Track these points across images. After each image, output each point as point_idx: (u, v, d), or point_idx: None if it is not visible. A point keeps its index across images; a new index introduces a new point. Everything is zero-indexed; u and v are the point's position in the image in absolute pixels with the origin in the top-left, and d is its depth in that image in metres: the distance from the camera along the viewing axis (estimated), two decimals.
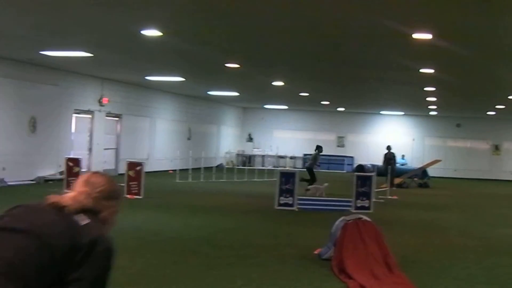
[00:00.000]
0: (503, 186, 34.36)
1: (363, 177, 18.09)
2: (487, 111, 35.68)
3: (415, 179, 30.67)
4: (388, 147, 29.82)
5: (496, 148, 42.32)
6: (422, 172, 31.73)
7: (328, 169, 41.67)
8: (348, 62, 18.80)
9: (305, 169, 25.96)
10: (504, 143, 42.27)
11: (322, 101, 34.37)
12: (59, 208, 2.94)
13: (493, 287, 8.79)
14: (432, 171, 34.12)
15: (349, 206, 17.39)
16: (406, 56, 16.55)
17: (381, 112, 41.69)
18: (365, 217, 9.96)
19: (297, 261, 9.90)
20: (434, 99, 29.15)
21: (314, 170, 24.89)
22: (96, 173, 3.28)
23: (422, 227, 14.86)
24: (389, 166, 27.70)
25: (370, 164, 36.12)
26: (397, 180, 28.19)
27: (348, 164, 41.82)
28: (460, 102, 30.47)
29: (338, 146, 43.36)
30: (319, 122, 43.28)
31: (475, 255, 11.39)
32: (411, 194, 25.61)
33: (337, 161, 42.46)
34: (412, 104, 33.10)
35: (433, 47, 14.77)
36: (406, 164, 39.33)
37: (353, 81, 23.51)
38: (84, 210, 2.98)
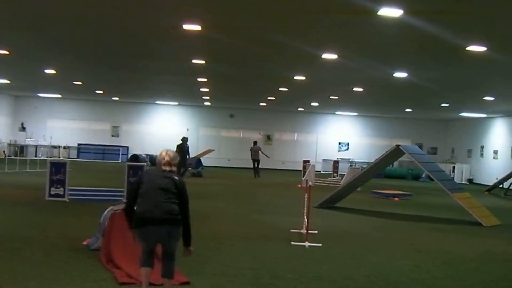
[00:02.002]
0: (274, 175, 35.90)
1: (135, 166, 18.10)
2: (260, 103, 37.04)
3: (189, 168, 31.14)
4: (184, 139, 29.04)
5: (268, 138, 44.11)
6: (195, 162, 32.29)
7: (103, 159, 41.29)
8: (121, 52, 18.72)
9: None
10: (275, 133, 44.23)
11: (97, 90, 33.90)
12: (166, 171, 7.32)
13: (259, 272, 9.19)
14: (206, 161, 34.92)
15: (122, 196, 17.38)
16: (177, 46, 16.78)
17: (156, 102, 41.88)
18: None
19: (66, 253, 9.77)
20: (207, 89, 29.78)
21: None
22: (168, 152, 7.51)
23: (192, 216, 15.09)
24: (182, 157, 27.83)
25: (145, 154, 36.28)
26: None
27: (123, 154, 41.52)
28: (233, 93, 31.36)
29: (113, 135, 42.96)
30: (93, 112, 42.56)
31: (243, 242, 11.87)
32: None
33: (112, 151, 42.10)
34: (186, 94, 33.60)
35: (203, 38, 15.10)
36: None
37: (126, 70, 23.44)
38: (171, 171, 7.33)
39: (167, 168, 7.36)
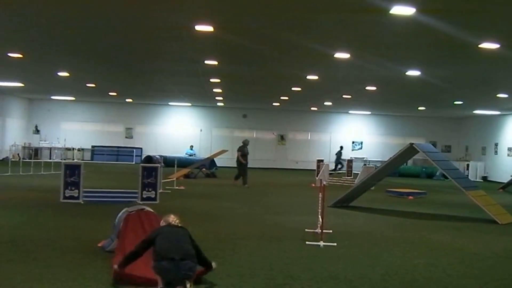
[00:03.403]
0: (288, 175, 35.83)
1: (149, 168, 18.10)
2: (273, 103, 37.01)
3: (203, 169, 31.16)
4: (245, 142, 27.12)
5: (282, 138, 44.08)
6: (209, 162, 32.30)
7: (117, 161, 41.41)
8: (133, 54, 18.76)
9: None
10: (289, 133, 44.19)
11: (110, 92, 34.00)
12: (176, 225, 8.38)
13: (273, 272, 9.17)
14: (219, 161, 34.90)
15: (136, 197, 17.41)
16: (190, 47, 16.79)
17: (169, 103, 41.95)
18: (147, 208, 10.02)
19: (80, 255, 9.78)
20: (220, 90, 29.80)
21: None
22: (175, 215, 8.58)
23: (206, 216, 15.17)
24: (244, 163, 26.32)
25: (159, 155, 36.33)
26: (184, 171, 28.48)
27: (136, 155, 41.69)
28: (246, 93, 31.36)
29: (127, 137, 43.11)
30: (107, 113, 42.74)
31: (257, 242, 11.84)
32: (198, 184, 26.05)
33: (126, 152, 42.27)
34: (199, 95, 33.62)
35: (215, 39, 15.10)
36: (194, 154, 39.94)
37: (139, 72, 23.49)
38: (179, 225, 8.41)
39: (179, 225, 8.40)
